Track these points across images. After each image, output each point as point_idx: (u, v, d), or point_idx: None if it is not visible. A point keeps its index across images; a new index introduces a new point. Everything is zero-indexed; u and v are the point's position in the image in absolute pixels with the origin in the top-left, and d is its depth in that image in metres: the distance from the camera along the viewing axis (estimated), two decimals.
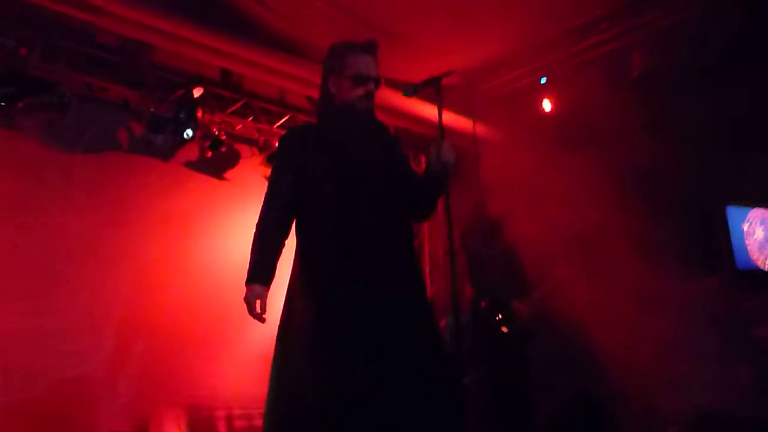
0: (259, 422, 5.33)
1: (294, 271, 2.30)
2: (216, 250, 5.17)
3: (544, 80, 5.37)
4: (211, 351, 5.05)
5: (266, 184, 5.99)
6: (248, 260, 2.29)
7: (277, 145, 2.46)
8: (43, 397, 4.20)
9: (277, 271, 2.32)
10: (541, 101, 5.43)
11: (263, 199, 2.35)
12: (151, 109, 4.79)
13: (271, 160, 5.47)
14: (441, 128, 2.36)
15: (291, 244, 2.38)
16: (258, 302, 2.20)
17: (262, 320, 2.22)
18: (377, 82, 2.39)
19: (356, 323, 2.10)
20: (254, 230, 2.32)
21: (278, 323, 2.29)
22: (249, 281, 2.25)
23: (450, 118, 2.39)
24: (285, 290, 2.34)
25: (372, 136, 2.41)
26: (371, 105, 2.39)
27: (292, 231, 2.37)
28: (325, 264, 2.19)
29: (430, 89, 2.44)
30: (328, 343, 2.09)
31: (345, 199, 2.22)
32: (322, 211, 2.23)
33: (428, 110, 5.30)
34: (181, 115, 4.78)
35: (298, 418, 2.08)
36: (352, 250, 2.18)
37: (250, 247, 2.30)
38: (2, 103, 4.17)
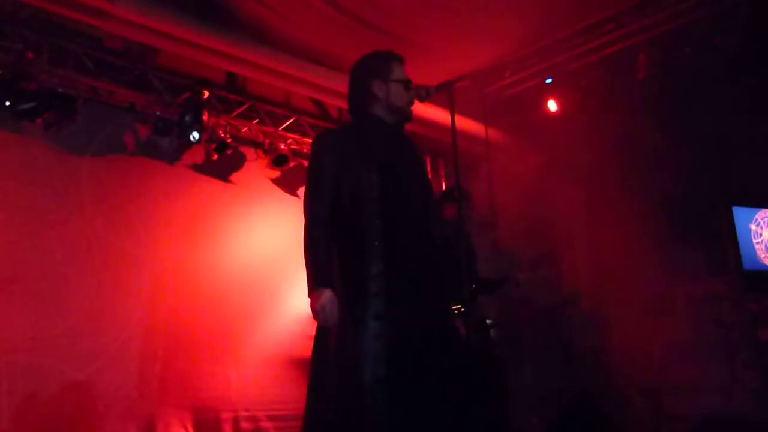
0: (265, 424, 5.38)
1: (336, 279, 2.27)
2: (222, 252, 5.19)
3: (549, 81, 5.37)
4: (217, 353, 5.06)
5: (271, 186, 6.03)
6: (306, 268, 2.23)
7: (311, 149, 2.47)
8: (48, 398, 4.22)
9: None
10: (547, 102, 5.43)
11: (304, 204, 2.33)
12: (157, 112, 4.81)
13: (277, 162, 5.49)
14: (453, 133, 2.38)
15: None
16: (332, 307, 2.15)
17: (335, 325, 2.18)
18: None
19: (393, 328, 2.13)
20: (305, 237, 2.28)
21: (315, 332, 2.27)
22: (315, 286, 2.18)
23: (457, 120, 2.41)
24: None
25: (409, 143, 2.50)
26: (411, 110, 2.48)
27: None
28: (370, 270, 2.18)
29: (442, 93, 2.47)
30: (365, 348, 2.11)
31: (389, 203, 2.25)
32: (368, 219, 2.23)
33: (435, 113, 5.31)
34: (187, 118, 4.80)
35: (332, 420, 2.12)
36: (395, 253, 2.20)
37: (304, 254, 2.25)
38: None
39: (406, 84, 2.43)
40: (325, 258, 2.24)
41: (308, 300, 2.20)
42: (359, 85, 2.46)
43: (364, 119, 2.45)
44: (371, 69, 2.45)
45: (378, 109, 2.41)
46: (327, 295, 2.14)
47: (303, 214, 2.32)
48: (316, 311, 2.15)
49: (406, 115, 2.46)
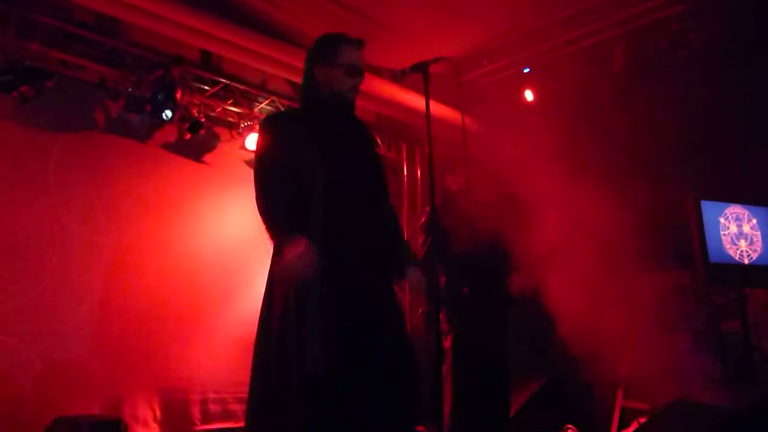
0: (234, 406, 5.36)
1: (274, 260, 2.26)
2: (193, 234, 5.13)
3: (527, 70, 5.39)
4: (186, 335, 5.02)
5: (245, 168, 5.95)
6: (276, 237, 2.18)
7: (260, 129, 2.41)
8: (4, 375, 4.15)
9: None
10: (524, 92, 5.45)
11: (260, 182, 2.27)
12: (129, 89, 4.70)
13: (252, 144, 5.42)
14: (428, 113, 2.37)
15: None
16: (310, 253, 2.06)
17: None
18: (363, 77, 2.41)
19: (334, 316, 2.12)
20: (267, 216, 2.21)
21: (260, 311, 2.28)
22: (288, 236, 2.10)
23: (435, 107, 2.42)
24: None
25: (357, 130, 2.44)
26: (356, 98, 2.41)
27: None
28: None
29: (418, 76, 2.45)
30: (304, 331, 2.11)
31: (334, 192, 2.21)
32: (309, 204, 2.20)
33: (412, 98, 5.30)
34: (160, 96, 4.70)
35: (273, 405, 2.11)
36: (337, 242, 2.18)
37: (271, 229, 2.19)
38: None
39: (349, 69, 2.34)
40: (287, 213, 2.17)
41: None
42: (306, 69, 2.43)
43: (310, 104, 2.41)
44: (316, 53, 2.41)
45: (322, 95, 2.37)
46: (303, 242, 2.05)
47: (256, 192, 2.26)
48: (293, 262, 2.05)
49: (346, 102, 2.36)
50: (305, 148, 2.26)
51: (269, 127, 2.41)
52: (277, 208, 2.20)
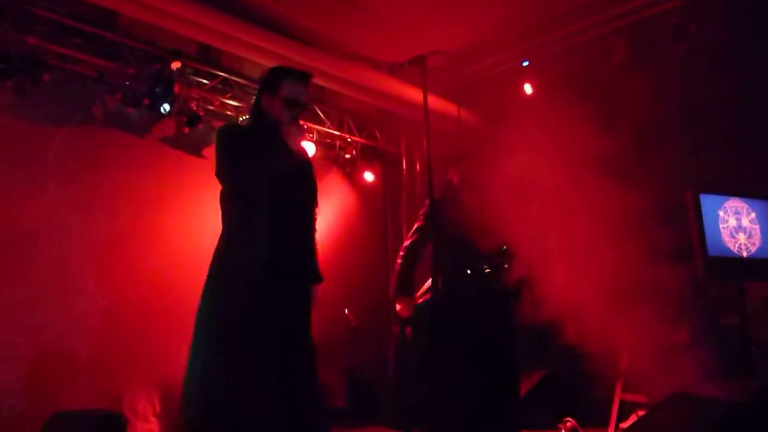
0: None
1: (216, 261, 2.65)
2: (191, 228, 5.11)
3: (526, 63, 5.38)
4: (185, 329, 4.97)
5: None
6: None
7: (220, 135, 2.64)
8: (8, 371, 4.16)
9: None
10: (523, 85, 5.44)
11: (229, 170, 2.56)
12: (127, 83, 4.69)
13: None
14: (426, 106, 2.41)
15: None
16: None
17: None
18: (306, 109, 2.62)
19: (265, 325, 2.44)
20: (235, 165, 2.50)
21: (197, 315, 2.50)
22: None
23: (432, 100, 2.46)
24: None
25: (296, 157, 2.63)
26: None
27: None
28: (247, 261, 2.48)
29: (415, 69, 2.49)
30: (240, 339, 2.48)
31: (278, 212, 2.45)
32: (250, 218, 2.48)
33: (411, 92, 5.29)
34: (158, 90, 4.68)
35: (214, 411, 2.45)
36: (275, 257, 2.46)
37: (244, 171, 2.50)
38: None
39: (288, 102, 2.52)
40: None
41: None
42: (256, 95, 2.66)
43: (258, 128, 2.62)
44: (264, 83, 2.64)
45: (266, 121, 2.57)
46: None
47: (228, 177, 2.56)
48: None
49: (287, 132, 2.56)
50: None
51: (228, 133, 2.66)
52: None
